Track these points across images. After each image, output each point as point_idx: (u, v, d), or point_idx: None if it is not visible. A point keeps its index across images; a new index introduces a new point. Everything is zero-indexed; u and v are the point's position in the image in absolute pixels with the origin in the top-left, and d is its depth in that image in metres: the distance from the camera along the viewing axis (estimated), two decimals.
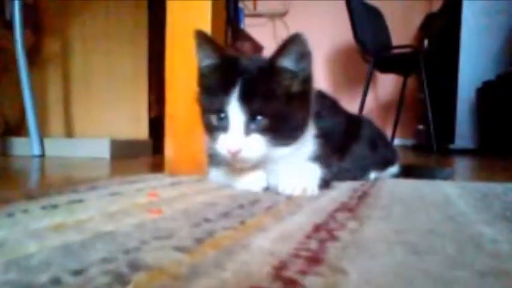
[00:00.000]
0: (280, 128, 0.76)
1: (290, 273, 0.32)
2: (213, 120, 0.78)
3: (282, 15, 4.27)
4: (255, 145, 0.75)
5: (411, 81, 3.65)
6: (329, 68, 4.21)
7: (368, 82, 3.06)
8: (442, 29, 3.26)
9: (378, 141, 1.12)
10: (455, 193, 0.83)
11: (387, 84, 4.06)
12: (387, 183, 1.01)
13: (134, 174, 1.09)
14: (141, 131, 2.24)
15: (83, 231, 0.45)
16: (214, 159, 0.87)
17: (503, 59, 2.85)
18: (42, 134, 2.00)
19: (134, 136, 2.22)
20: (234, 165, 0.80)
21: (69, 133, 2.30)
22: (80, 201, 0.65)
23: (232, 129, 0.74)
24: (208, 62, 0.81)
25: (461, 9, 2.92)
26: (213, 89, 0.78)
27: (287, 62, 0.75)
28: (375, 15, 3.33)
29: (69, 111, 2.31)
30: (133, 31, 2.21)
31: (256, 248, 0.39)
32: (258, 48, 3.72)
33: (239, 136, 0.74)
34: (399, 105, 3.59)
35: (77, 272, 0.32)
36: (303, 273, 0.32)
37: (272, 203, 0.67)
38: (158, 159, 1.83)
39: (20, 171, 1.41)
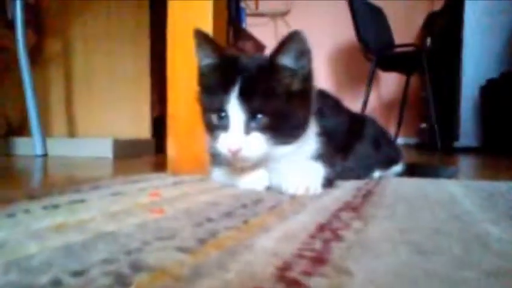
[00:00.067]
0: (281, 127, 0.76)
1: (294, 274, 0.32)
2: (213, 120, 0.78)
3: (284, 14, 4.26)
4: (256, 144, 0.74)
5: (414, 80, 3.64)
6: (331, 67, 4.20)
7: (370, 81, 3.05)
8: (444, 27, 3.25)
9: (382, 140, 1.11)
10: (460, 192, 0.83)
11: (390, 83, 4.05)
12: (392, 182, 1.00)
13: (136, 173, 1.08)
14: (144, 130, 2.24)
15: (84, 231, 0.45)
16: (216, 159, 0.86)
17: (506, 57, 2.84)
18: (45, 134, 2.00)
19: (137, 136, 2.22)
20: (235, 164, 0.79)
21: (71, 133, 2.31)
22: (82, 201, 0.64)
23: (233, 128, 0.74)
24: (207, 61, 0.81)
25: (463, 8, 2.91)
26: (212, 88, 0.78)
27: (286, 60, 0.75)
28: (378, 14, 3.32)
29: (71, 111, 2.31)
30: (134, 31, 2.21)
31: (260, 248, 0.39)
32: (259, 47, 3.71)
33: (239, 135, 0.73)
34: (402, 104, 3.58)
35: (78, 273, 0.31)
36: (308, 274, 0.32)
37: (275, 202, 0.66)
38: (160, 158, 1.83)
39: (22, 171, 1.41)
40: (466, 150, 2.82)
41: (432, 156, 2.43)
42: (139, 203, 0.63)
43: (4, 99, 2.27)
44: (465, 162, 2.03)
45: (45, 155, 1.94)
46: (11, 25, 1.97)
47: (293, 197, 0.72)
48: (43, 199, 0.65)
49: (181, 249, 0.38)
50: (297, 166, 0.80)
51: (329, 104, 1.00)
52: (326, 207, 0.62)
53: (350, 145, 1.00)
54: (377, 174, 1.09)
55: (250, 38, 3.51)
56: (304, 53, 0.75)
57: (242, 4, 3.60)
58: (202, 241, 0.41)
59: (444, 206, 0.67)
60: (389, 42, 3.33)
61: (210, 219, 0.52)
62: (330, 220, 0.53)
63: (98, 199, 0.67)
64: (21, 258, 0.35)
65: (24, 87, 1.94)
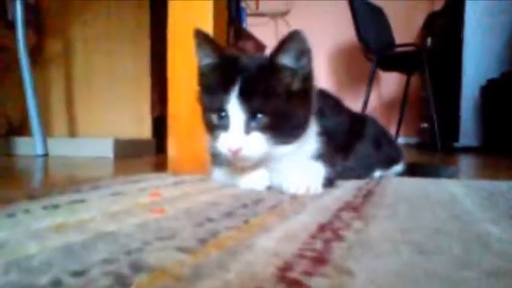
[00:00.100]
0: (281, 126, 0.75)
1: (295, 274, 0.32)
2: (213, 119, 0.78)
3: (284, 14, 4.26)
4: (256, 143, 0.74)
5: (414, 80, 3.64)
6: (331, 67, 4.20)
7: (371, 81, 3.05)
8: (445, 27, 3.24)
9: (382, 140, 1.11)
10: (461, 191, 0.82)
11: (390, 82, 4.05)
12: (392, 181, 1.00)
13: (137, 173, 1.08)
14: (144, 130, 2.24)
15: (84, 231, 0.45)
16: (216, 159, 0.86)
17: (507, 57, 2.84)
18: (46, 134, 2.00)
19: (138, 136, 2.22)
20: (236, 164, 0.79)
21: (72, 133, 2.31)
22: (82, 201, 0.64)
23: (233, 128, 0.74)
24: (207, 61, 0.81)
25: (464, 7, 2.91)
26: (212, 88, 0.78)
27: (286, 60, 0.74)
28: (378, 14, 3.32)
29: (72, 111, 2.31)
30: (135, 31, 2.21)
31: (260, 248, 0.39)
32: (260, 47, 3.71)
33: (239, 135, 0.73)
34: (402, 104, 3.58)
35: (78, 273, 0.31)
36: (309, 274, 0.32)
37: (276, 202, 0.66)
38: (161, 158, 1.83)
39: (23, 171, 1.41)
40: (467, 150, 2.82)
41: (433, 156, 2.42)
42: (140, 203, 0.63)
43: (5, 99, 2.27)
44: (465, 162, 2.03)
45: (46, 155, 1.94)
46: (11, 25, 1.97)
47: (294, 197, 0.72)
48: (43, 199, 0.65)
49: (182, 249, 0.38)
50: (298, 166, 0.80)
51: (330, 103, 1.00)
52: (327, 207, 0.62)
53: (350, 145, 1.00)
54: (377, 174, 1.09)
55: (250, 37, 3.51)
56: (304, 53, 0.75)
57: (242, 4, 3.59)
58: (202, 241, 0.41)
59: (444, 205, 0.67)
60: (390, 42, 3.33)
61: (210, 219, 0.52)
62: (331, 220, 0.52)
63: (99, 199, 0.66)
64: (21, 258, 0.35)
65: (24, 87, 1.94)
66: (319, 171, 0.81)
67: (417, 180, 1.02)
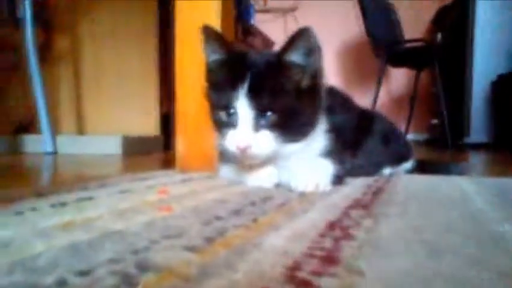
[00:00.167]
0: (290, 124, 0.75)
1: (304, 274, 0.31)
2: (221, 116, 0.77)
3: (293, 10, 4.24)
4: (264, 141, 0.73)
5: (424, 75, 3.60)
6: (340, 63, 4.18)
7: (380, 77, 3.03)
8: (455, 22, 3.21)
9: (392, 137, 1.10)
10: (472, 189, 0.81)
11: (399, 78, 4.02)
12: (402, 179, 0.99)
13: (145, 170, 1.08)
14: (152, 127, 2.24)
15: (91, 230, 0.44)
16: (224, 156, 0.86)
17: None
18: (54, 132, 2.01)
19: (146, 133, 2.23)
20: (244, 162, 0.79)
21: (81, 130, 2.31)
22: (90, 198, 0.64)
23: (241, 126, 0.73)
24: (215, 57, 0.80)
25: (474, 2, 2.88)
26: (220, 84, 0.77)
27: (295, 57, 0.74)
28: (387, 9, 3.29)
29: (80, 109, 2.32)
30: (142, 28, 2.21)
31: (269, 247, 0.38)
32: (268, 43, 3.70)
33: (248, 132, 0.73)
34: (412, 100, 3.55)
35: (84, 273, 0.31)
36: (318, 274, 0.31)
37: (284, 199, 0.65)
38: (169, 155, 1.83)
39: (31, 168, 1.41)
40: (477, 146, 2.80)
41: (443, 152, 2.40)
42: (147, 201, 0.63)
43: (13, 97, 2.28)
44: (476, 159, 2.01)
45: (54, 153, 1.94)
46: (20, 23, 1.98)
47: (302, 195, 0.71)
48: (51, 197, 0.65)
49: (189, 248, 0.37)
50: (306, 163, 0.80)
51: (338, 100, 0.99)
52: (336, 204, 0.62)
53: (359, 142, 0.99)
54: (386, 171, 1.08)
55: (258, 34, 3.50)
56: (313, 50, 0.74)
57: (251, 0, 3.58)
58: (210, 240, 0.41)
59: (456, 203, 0.66)
60: (399, 38, 3.30)
61: (218, 217, 0.51)
62: (340, 218, 0.52)
63: (106, 197, 0.66)
64: (27, 257, 0.35)
65: (33, 85, 1.95)
66: (328, 168, 0.81)
67: (427, 177, 1.01)
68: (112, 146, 1.95)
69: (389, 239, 0.42)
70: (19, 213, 0.53)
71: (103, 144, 1.97)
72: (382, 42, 3.02)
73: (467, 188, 0.82)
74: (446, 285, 0.30)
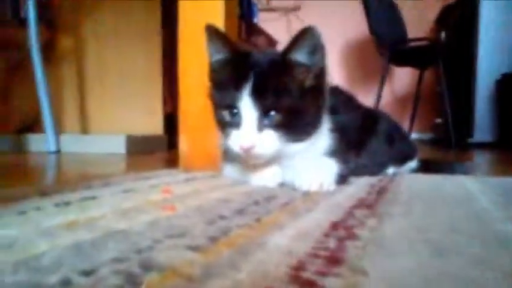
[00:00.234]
0: (294, 124, 0.74)
1: (308, 274, 0.31)
2: (225, 116, 0.77)
3: (296, 9, 4.23)
4: (268, 141, 0.73)
5: (428, 74, 3.59)
6: (343, 62, 4.17)
7: (383, 77, 3.02)
8: (459, 20, 3.20)
9: (396, 136, 1.09)
10: (476, 188, 0.81)
11: (403, 77, 4.01)
12: (406, 178, 0.99)
13: (149, 170, 1.08)
14: (156, 126, 2.24)
15: (95, 229, 0.44)
16: (228, 155, 0.85)
17: None
18: (58, 131, 2.01)
19: (149, 132, 2.23)
20: (248, 162, 0.78)
21: (84, 129, 2.32)
22: (94, 198, 0.64)
23: (245, 126, 0.73)
24: (218, 56, 0.79)
25: (479, 1, 2.86)
26: (224, 84, 0.77)
27: (300, 56, 0.73)
28: (391, 8, 3.28)
29: (84, 108, 2.32)
30: (146, 27, 2.21)
31: (273, 247, 0.38)
32: (272, 42, 3.70)
33: (252, 132, 0.72)
34: (416, 99, 3.54)
35: (88, 273, 0.31)
36: (322, 274, 0.31)
37: (288, 199, 0.65)
38: (173, 154, 1.83)
39: (35, 167, 1.42)
40: (481, 146, 2.79)
41: (447, 151, 2.40)
42: (151, 200, 0.63)
43: (17, 97, 2.29)
44: (480, 158, 2.00)
45: (58, 152, 1.95)
46: (24, 23, 1.98)
47: (306, 194, 0.71)
48: (55, 196, 0.65)
49: (192, 248, 0.37)
50: (310, 162, 0.79)
51: (342, 100, 0.99)
52: (340, 204, 0.61)
53: (363, 141, 0.98)
54: (391, 170, 1.07)
55: (262, 33, 3.50)
56: (317, 49, 0.73)
57: None
58: (213, 239, 0.41)
59: (460, 203, 0.65)
60: (403, 36, 3.29)
61: (221, 217, 0.51)
62: (344, 218, 0.52)
63: (110, 196, 0.66)
64: (30, 256, 0.35)
65: (37, 84, 1.95)
66: (332, 167, 0.80)
67: (432, 177, 1.01)
68: (116, 145, 1.95)
69: (393, 239, 0.42)
70: (23, 212, 0.53)
71: (106, 143, 1.98)
72: (386, 41, 3.02)
73: (472, 188, 0.82)
74: (450, 285, 0.30)
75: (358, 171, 0.93)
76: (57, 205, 0.58)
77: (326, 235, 0.43)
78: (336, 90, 0.94)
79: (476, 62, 2.88)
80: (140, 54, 2.23)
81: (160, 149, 2.17)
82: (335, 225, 0.47)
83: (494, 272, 0.33)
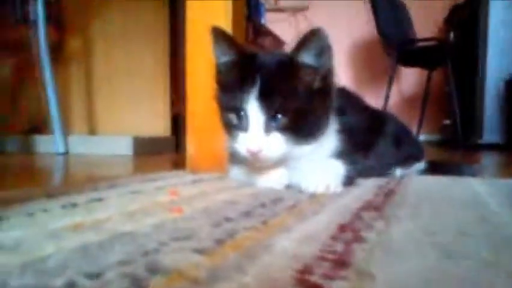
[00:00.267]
0: (301, 126, 0.74)
1: (315, 277, 0.31)
2: (231, 119, 0.76)
3: (304, 9, 4.22)
4: (275, 144, 0.73)
5: (436, 75, 3.57)
6: (351, 63, 4.16)
7: (391, 77, 3.01)
8: (468, 20, 3.18)
9: (403, 137, 1.09)
10: (485, 191, 0.80)
11: (411, 78, 3.99)
12: (414, 180, 0.98)
13: (156, 171, 1.08)
14: (163, 128, 2.25)
15: (101, 231, 0.44)
16: (235, 157, 0.85)
17: None
18: (66, 132, 2.02)
19: (157, 133, 2.23)
20: (254, 164, 0.78)
21: (92, 131, 2.33)
22: (100, 200, 0.64)
23: (252, 129, 0.72)
24: (225, 59, 0.79)
25: (488, 1, 2.84)
26: (231, 86, 0.76)
27: (307, 58, 0.73)
28: (399, 8, 3.27)
29: (92, 109, 2.33)
30: (154, 29, 2.22)
31: (279, 250, 0.38)
32: (279, 43, 3.69)
33: (259, 135, 0.72)
34: (424, 100, 3.52)
35: (94, 276, 0.31)
36: (329, 277, 0.31)
37: (295, 201, 0.65)
38: (180, 156, 1.83)
39: (43, 169, 1.42)
40: (490, 147, 2.77)
41: (455, 153, 2.38)
42: (157, 202, 0.63)
43: (26, 98, 2.30)
44: (489, 160, 1.99)
45: (66, 153, 1.96)
46: (32, 24, 2.00)
47: (313, 196, 0.71)
48: (62, 198, 0.65)
49: (198, 251, 0.37)
50: (317, 164, 0.79)
51: (349, 101, 0.98)
52: (347, 206, 0.61)
53: (370, 142, 0.98)
54: (398, 172, 1.07)
55: (269, 34, 3.50)
56: (325, 50, 0.73)
57: (261, 0, 3.58)
58: (219, 242, 0.40)
59: (469, 205, 0.65)
60: (411, 37, 3.27)
61: (228, 219, 0.51)
62: (352, 220, 0.51)
63: (117, 198, 0.66)
64: (37, 259, 0.35)
65: (45, 85, 1.96)
66: (339, 169, 0.80)
67: (440, 179, 1.00)
68: (123, 147, 1.96)
69: (400, 242, 0.42)
70: (30, 214, 0.53)
71: (113, 144, 1.98)
72: (393, 41, 3.00)
73: (481, 190, 0.81)
74: None
75: (365, 173, 0.92)
76: (64, 207, 0.58)
77: (333, 238, 0.42)
78: (343, 92, 0.94)
79: (484, 62, 2.86)
80: (147, 55, 2.24)
81: (167, 150, 2.17)
82: (342, 228, 0.47)
83: (503, 275, 0.32)
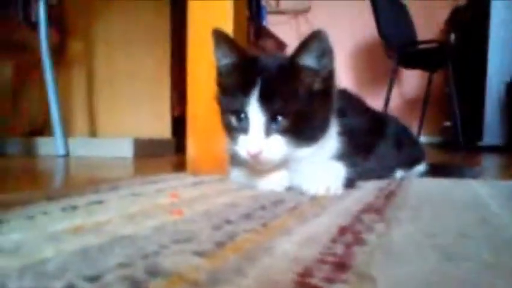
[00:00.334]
0: (302, 128, 0.74)
1: (315, 280, 0.31)
2: (232, 121, 0.76)
3: (305, 12, 4.22)
4: (276, 146, 0.73)
5: (437, 76, 3.57)
6: (352, 65, 4.16)
7: (392, 79, 3.00)
8: (469, 22, 3.18)
9: (404, 139, 1.09)
10: (486, 193, 0.80)
11: (412, 79, 3.99)
12: (415, 182, 0.98)
13: (156, 173, 1.08)
14: (164, 130, 2.25)
15: (101, 234, 0.44)
16: (235, 159, 0.85)
17: None
18: (67, 134, 2.02)
19: (158, 135, 2.23)
20: (255, 166, 0.78)
21: (93, 133, 2.33)
22: (100, 202, 0.64)
23: (252, 131, 0.72)
24: (226, 61, 0.79)
25: (489, 2, 2.84)
26: (231, 89, 0.77)
27: (308, 60, 0.73)
28: (400, 9, 3.27)
29: (93, 111, 2.33)
30: (155, 31, 2.22)
31: (280, 253, 0.38)
32: (281, 45, 3.70)
33: (259, 138, 0.72)
34: (425, 102, 3.52)
35: (93, 278, 0.31)
36: (329, 280, 0.31)
37: (295, 203, 0.65)
38: (181, 158, 1.83)
39: (44, 171, 1.42)
40: (491, 149, 2.76)
41: (456, 155, 2.38)
42: (158, 204, 0.63)
43: (27, 100, 2.30)
44: (490, 162, 1.98)
45: (67, 155, 1.95)
46: (34, 26, 2.00)
47: (313, 198, 0.71)
48: (62, 200, 0.65)
49: (198, 253, 0.37)
50: (318, 166, 0.79)
51: (350, 103, 0.98)
52: (347, 208, 0.61)
53: (371, 144, 0.98)
54: (399, 174, 1.07)
55: (271, 36, 3.50)
56: (326, 53, 0.73)
57: (263, 2, 3.59)
58: (219, 244, 0.40)
59: (470, 207, 0.65)
60: (412, 39, 3.27)
61: (228, 221, 0.51)
62: (352, 223, 0.51)
63: (117, 200, 0.66)
64: (36, 262, 0.35)
65: (47, 87, 1.96)
66: (339, 171, 0.80)
67: (441, 181, 1.00)
68: (124, 149, 1.96)
69: (401, 244, 0.42)
70: (30, 217, 0.53)
71: (114, 146, 1.98)
72: (394, 43, 3.00)
73: (481, 192, 0.81)
74: None
75: (366, 175, 0.92)
76: (64, 209, 0.58)
77: (334, 240, 0.42)
78: (344, 93, 0.94)
79: (486, 64, 2.86)
80: (149, 57, 2.24)
81: (168, 152, 2.17)
82: (342, 230, 0.47)
83: (504, 277, 0.32)
